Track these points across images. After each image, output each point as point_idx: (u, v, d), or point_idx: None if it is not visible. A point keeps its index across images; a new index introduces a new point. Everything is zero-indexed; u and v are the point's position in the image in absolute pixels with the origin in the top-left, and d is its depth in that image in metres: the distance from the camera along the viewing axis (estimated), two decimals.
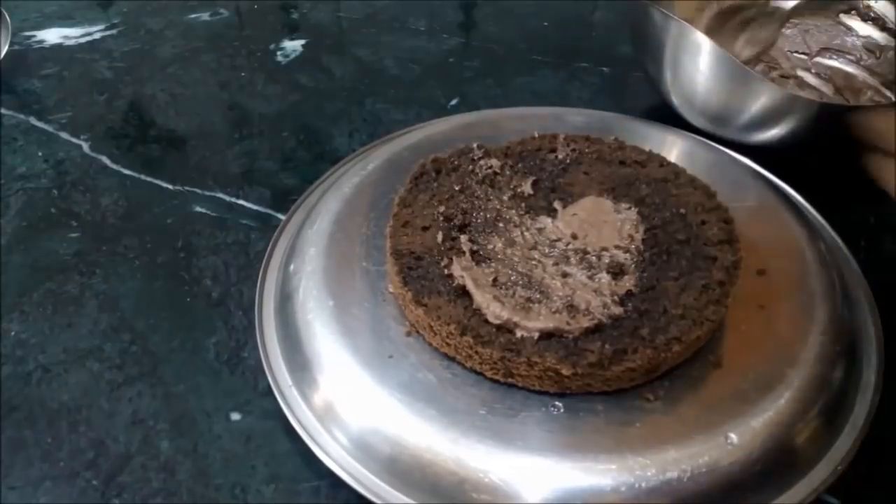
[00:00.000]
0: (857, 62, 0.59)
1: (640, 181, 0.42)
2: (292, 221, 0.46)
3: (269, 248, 0.45)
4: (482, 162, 0.42)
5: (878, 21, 0.58)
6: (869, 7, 0.58)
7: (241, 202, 0.51)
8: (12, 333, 0.42)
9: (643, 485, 0.31)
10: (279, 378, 0.37)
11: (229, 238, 0.48)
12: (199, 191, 0.51)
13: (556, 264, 0.36)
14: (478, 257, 0.37)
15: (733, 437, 0.32)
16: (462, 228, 0.39)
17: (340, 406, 0.35)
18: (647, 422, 0.33)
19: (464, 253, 0.37)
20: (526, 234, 0.38)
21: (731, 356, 0.35)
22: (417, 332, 0.36)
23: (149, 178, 0.52)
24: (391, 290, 0.38)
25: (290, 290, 0.40)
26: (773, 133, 0.48)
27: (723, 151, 0.49)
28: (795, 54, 0.61)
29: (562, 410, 0.33)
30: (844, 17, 0.60)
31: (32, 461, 0.36)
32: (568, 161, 0.43)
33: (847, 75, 0.59)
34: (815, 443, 0.34)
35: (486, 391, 0.34)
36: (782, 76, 0.59)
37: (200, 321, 0.43)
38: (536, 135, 0.45)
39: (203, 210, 0.50)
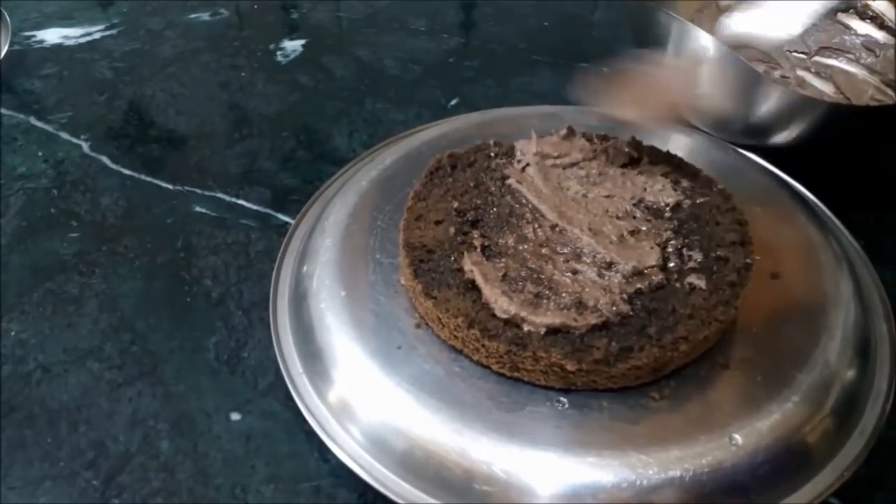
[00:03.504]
0: (856, 61, 0.59)
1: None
2: (309, 213, 0.46)
3: (286, 238, 0.45)
4: (498, 158, 0.43)
5: (876, 20, 0.58)
6: (867, 6, 0.59)
7: (241, 202, 0.50)
8: (12, 333, 0.42)
9: (644, 482, 0.31)
10: (290, 366, 0.38)
11: (229, 238, 0.48)
12: (199, 191, 0.51)
13: (566, 261, 0.37)
14: (489, 252, 0.37)
15: (738, 438, 0.32)
16: (474, 223, 0.39)
17: (349, 395, 0.35)
18: (651, 420, 0.33)
19: (475, 248, 0.37)
20: (538, 230, 0.38)
21: (739, 358, 0.35)
22: (427, 324, 0.37)
23: (149, 178, 0.52)
24: (403, 282, 0.38)
25: (304, 279, 0.40)
26: (776, 135, 0.48)
27: (737, 151, 0.49)
28: (795, 54, 0.61)
29: (567, 406, 0.33)
30: (843, 16, 0.60)
31: (32, 461, 0.36)
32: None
33: (847, 74, 0.59)
34: (822, 448, 0.34)
35: (492, 384, 0.34)
36: (783, 76, 0.59)
37: (200, 321, 0.42)
38: (553, 132, 0.45)
39: (203, 210, 0.50)
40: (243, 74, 0.63)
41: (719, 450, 0.32)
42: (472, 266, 0.36)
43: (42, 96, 0.60)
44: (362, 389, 0.35)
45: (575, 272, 0.36)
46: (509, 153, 0.43)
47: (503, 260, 0.37)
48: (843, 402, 0.35)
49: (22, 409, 0.38)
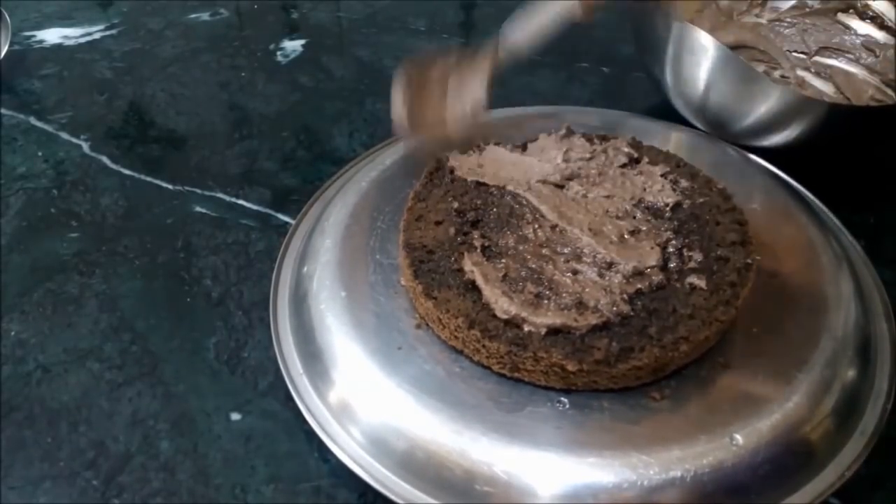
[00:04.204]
0: (856, 61, 0.59)
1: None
2: (309, 214, 0.46)
3: (286, 239, 0.45)
4: None
5: (876, 20, 0.58)
6: (867, 6, 0.59)
7: (241, 202, 0.50)
8: (12, 333, 0.42)
9: (645, 482, 0.31)
10: (290, 366, 0.38)
11: (229, 238, 0.48)
12: (199, 191, 0.51)
13: (567, 261, 0.37)
14: (489, 252, 0.37)
15: (739, 438, 0.32)
16: (475, 224, 0.39)
17: (349, 395, 0.35)
18: (652, 420, 0.33)
19: (475, 248, 0.37)
20: (538, 230, 0.38)
21: (740, 358, 0.35)
22: (427, 324, 0.37)
23: (149, 178, 0.52)
24: (403, 282, 0.38)
25: (304, 280, 0.40)
26: (776, 135, 0.48)
27: (737, 150, 0.49)
28: (795, 54, 0.61)
29: (567, 406, 0.33)
30: (843, 16, 0.60)
31: (32, 461, 0.36)
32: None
33: (847, 74, 0.59)
34: (823, 447, 0.34)
35: (493, 385, 0.34)
36: (783, 76, 0.59)
37: (200, 321, 0.42)
38: (552, 132, 0.45)
39: (203, 210, 0.50)
40: (243, 74, 0.63)
41: (720, 450, 0.32)
42: (472, 266, 0.36)
43: (42, 96, 0.60)
44: (362, 390, 0.35)
45: (575, 272, 0.36)
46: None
47: (503, 260, 0.37)
48: (843, 402, 0.35)
49: (22, 409, 0.38)
